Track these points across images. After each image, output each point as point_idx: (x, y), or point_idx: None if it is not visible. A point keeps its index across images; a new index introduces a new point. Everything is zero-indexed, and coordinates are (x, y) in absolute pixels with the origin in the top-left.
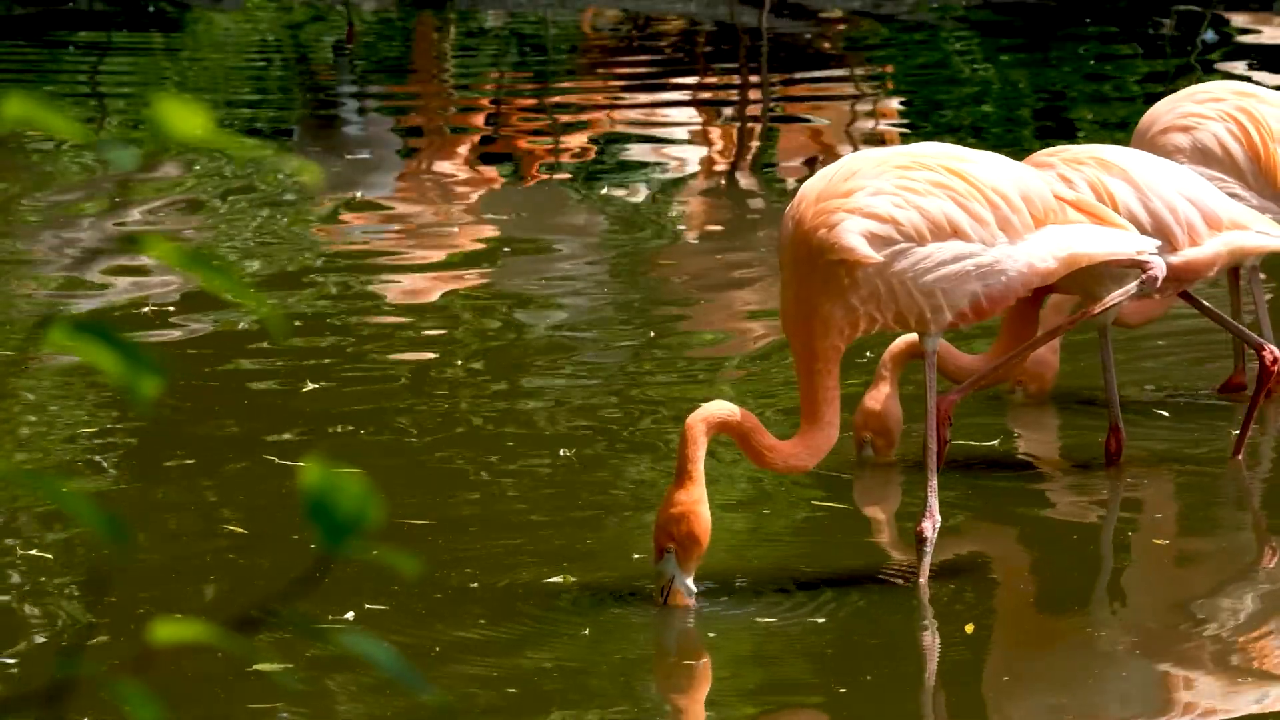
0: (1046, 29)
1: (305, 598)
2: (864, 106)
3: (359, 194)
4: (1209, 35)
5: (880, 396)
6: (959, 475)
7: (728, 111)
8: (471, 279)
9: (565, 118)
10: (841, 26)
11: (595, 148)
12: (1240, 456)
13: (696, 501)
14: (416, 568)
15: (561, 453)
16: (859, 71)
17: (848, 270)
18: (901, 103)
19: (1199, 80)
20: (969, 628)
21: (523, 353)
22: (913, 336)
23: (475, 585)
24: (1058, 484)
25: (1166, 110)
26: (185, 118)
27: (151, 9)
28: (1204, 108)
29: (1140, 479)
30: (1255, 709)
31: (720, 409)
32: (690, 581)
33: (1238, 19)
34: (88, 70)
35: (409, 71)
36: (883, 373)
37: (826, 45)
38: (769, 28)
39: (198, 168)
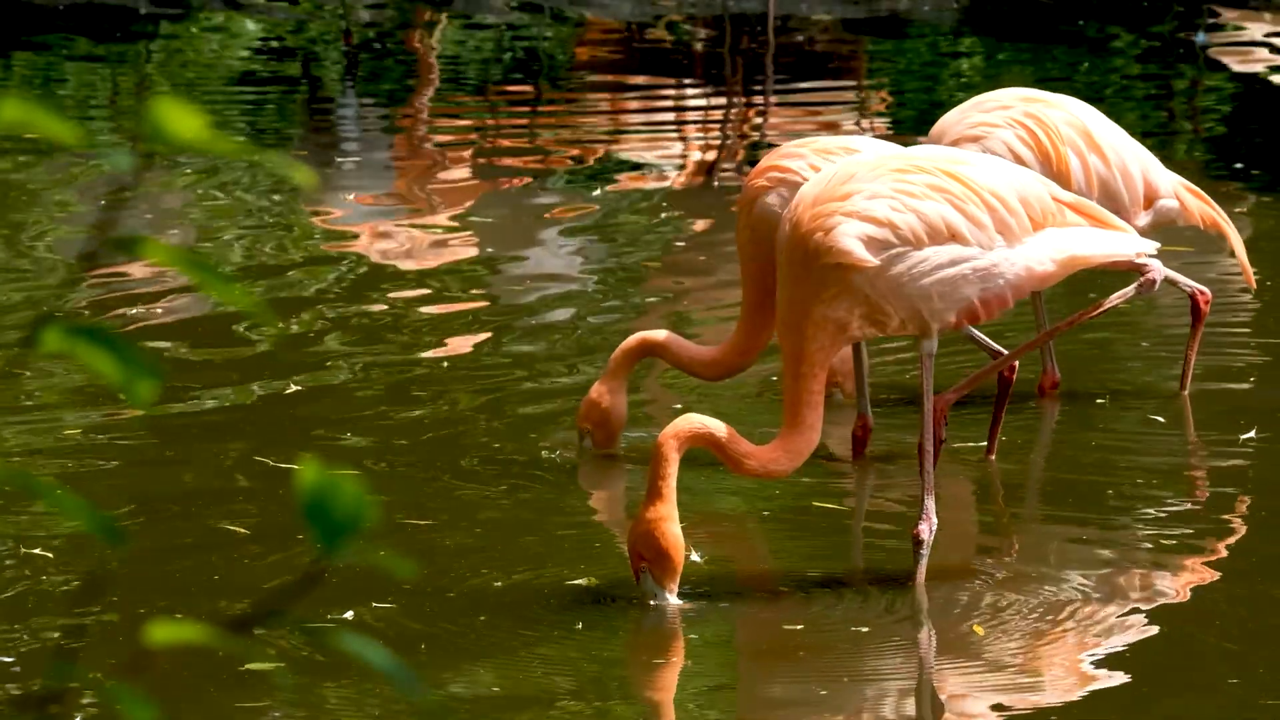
0: (1044, 30)
1: (303, 598)
2: (854, 114)
3: (352, 196)
4: (1201, 36)
5: (605, 391)
6: (955, 476)
7: (721, 116)
8: (463, 281)
9: (554, 119)
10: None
11: (588, 153)
12: (991, 455)
13: (665, 519)
14: (412, 570)
15: (544, 454)
16: (853, 79)
17: (844, 274)
18: (894, 103)
19: (1197, 80)
20: (978, 629)
21: (513, 352)
22: (645, 334)
23: (474, 585)
24: (1054, 485)
25: (955, 121)
26: (182, 120)
27: (144, 11)
28: (991, 116)
29: (1138, 479)
30: (1258, 708)
31: (691, 423)
32: (673, 597)
33: (1228, 16)
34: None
35: (407, 76)
36: (611, 368)
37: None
38: (774, 23)
39: (191, 170)
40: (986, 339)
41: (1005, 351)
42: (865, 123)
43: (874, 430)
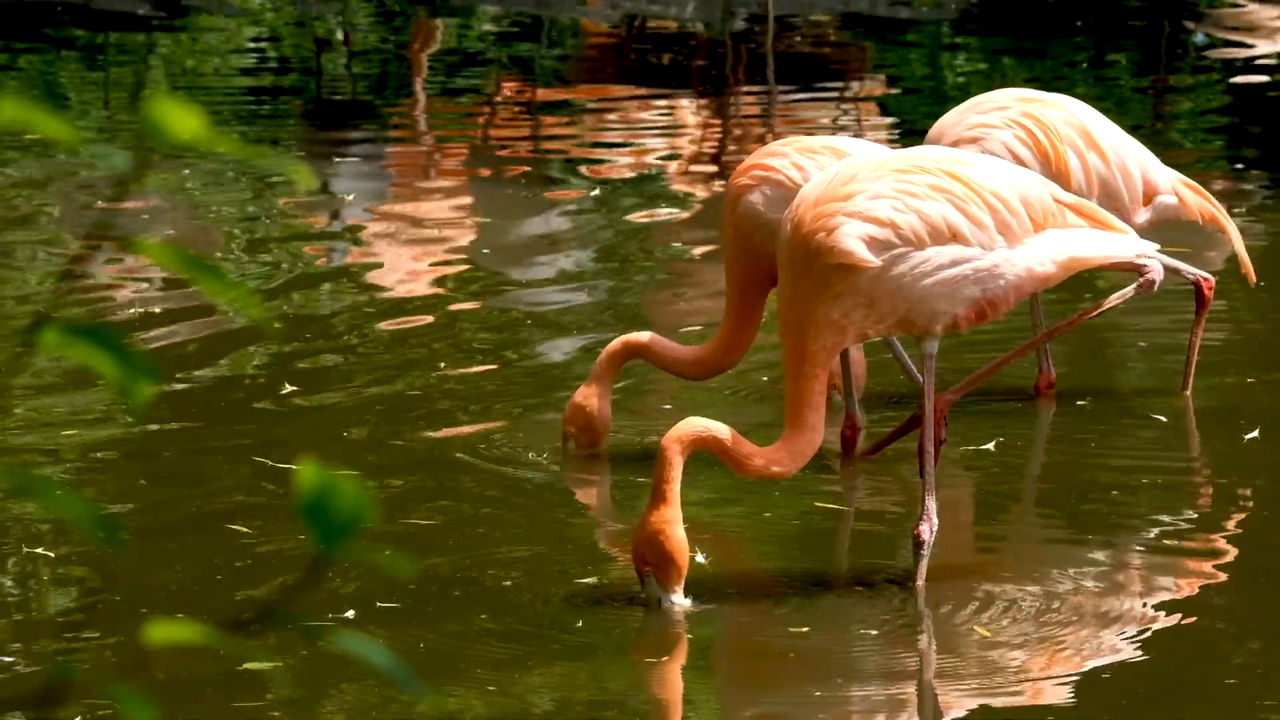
0: (1041, 30)
1: (303, 598)
2: (850, 111)
3: (350, 196)
4: (1199, 37)
5: (590, 395)
6: (955, 476)
7: (720, 113)
8: (460, 281)
9: (554, 120)
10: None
11: (587, 153)
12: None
13: (669, 523)
14: (412, 570)
15: (531, 456)
16: (853, 80)
17: (846, 274)
18: (892, 103)
19: (1190, 80)
20: (983, 630)
21: (510, 352)
22: (628, 336)
23: (474, 585)
24: (1054, 485)
25: (953, 123)
26: (180, 119)
27: (142, 11)
28: (989, 117)
29: (1140, 479)
30: (1258, 708)
31: (693, 426)
32: (678, 598)
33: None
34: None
35: (405, 73)
36: (597, 371)
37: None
38: (773, 25)
39: (188, 170)
40: (910, 364)
41: (921, 377)
42: (864, 123)
43: (872, 431)
